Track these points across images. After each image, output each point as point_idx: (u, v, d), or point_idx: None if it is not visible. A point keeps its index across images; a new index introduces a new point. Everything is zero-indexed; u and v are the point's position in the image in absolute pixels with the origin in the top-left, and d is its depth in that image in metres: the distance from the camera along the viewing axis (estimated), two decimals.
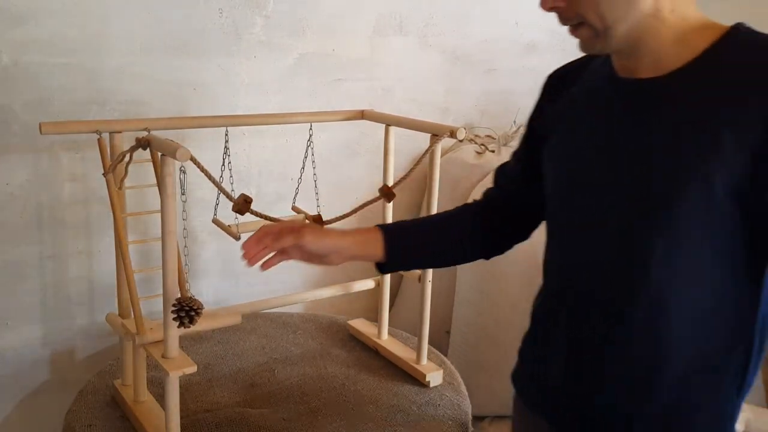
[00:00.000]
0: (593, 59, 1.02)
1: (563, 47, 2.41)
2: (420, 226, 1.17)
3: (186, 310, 1.09)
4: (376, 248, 1.09)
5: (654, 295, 0.88)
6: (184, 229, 1.16)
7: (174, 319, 1.10)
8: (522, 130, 1.15)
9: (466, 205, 1.21)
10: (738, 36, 0.85)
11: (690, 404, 0.91)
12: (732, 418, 0.93)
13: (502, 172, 1.19)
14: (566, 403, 1.00)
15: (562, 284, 1.01)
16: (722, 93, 0.82)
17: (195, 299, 1.13)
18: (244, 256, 1.00)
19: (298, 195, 1.63)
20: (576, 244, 0.97)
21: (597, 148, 0.93)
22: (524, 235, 1.18)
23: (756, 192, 0.81)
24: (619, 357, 0.92)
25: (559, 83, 1.06)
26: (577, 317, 0.97)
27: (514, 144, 2.20)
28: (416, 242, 1.13)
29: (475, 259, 1.19)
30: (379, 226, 1.11)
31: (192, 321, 1.09)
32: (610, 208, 0.90)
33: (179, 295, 1.17)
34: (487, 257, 1.20)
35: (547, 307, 1.06)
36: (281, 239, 1.01)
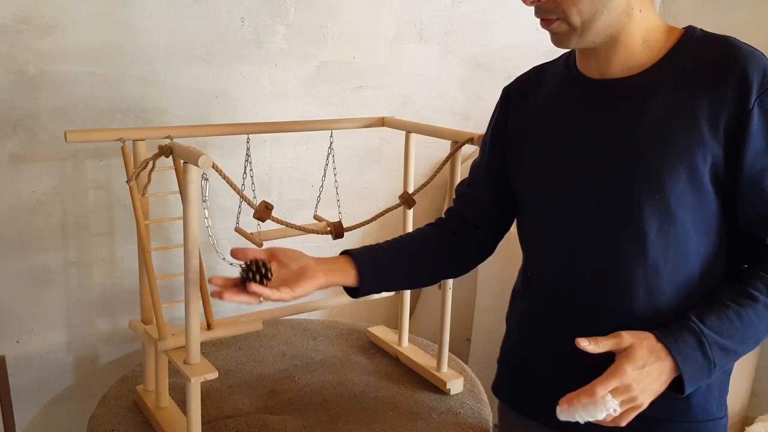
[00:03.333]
0: (548, 67, 1.10)
1: None
2: (388, 250, 1.15)
3: (255, 269, 0.99)
4: (348, 273, 1.08)
5: (651, 273, 0.95)
6: (210, 236, 1.16)
7: (248, 279, 0.99)
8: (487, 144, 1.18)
9: (431, 225, 1.22)
10: (694, 36, 0.95)
11: None
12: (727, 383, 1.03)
13: (465, 188, 1.21)
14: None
15: (556, 283, 1.04)
16: (695, 86, 0.91)
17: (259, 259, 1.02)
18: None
19: (319, 202, 1.64)
20: (571, 239, 1.00)
21: (585, 147, 0.98)
22: (489, 249, 1.22)
23: (726, 173, 0.91)
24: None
25: (520, 94, 1.11)
26: (576, 309, 1.01)
27: None
28: (386, 266, 1.13)
29: (443, 279, 1.22)
30: (345, 252, 1.11)
31: (267, 276, 0.98)
32: (606, 198, 0.96)
33: (211, 310, 1.13)
34: (456, 275, 1.25)
35: (538, 311, 1.08)
36: (253, 251, 1.02)
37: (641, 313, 0.96)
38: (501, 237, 1.21)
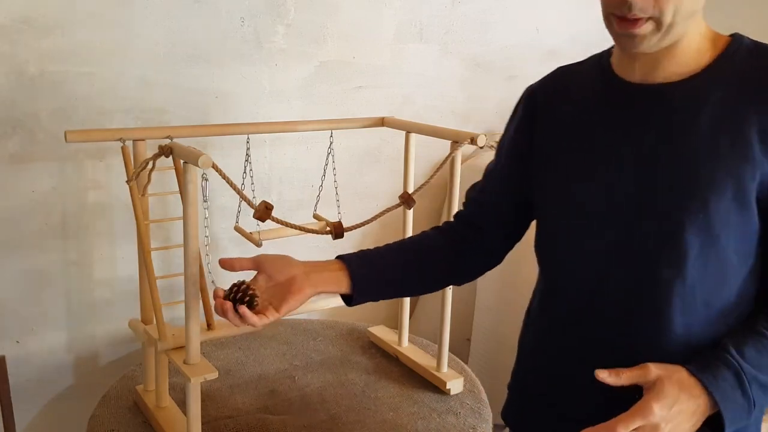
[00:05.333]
0: (575, 68, 1.02)
1: (584, 54, 2.39)
2: (386, 256, 1.08)
3: (241, 296, 0.97)
4: (340, 282, 1.02)
5: (688, 295, 0.87)
6: (206, 236, 1.16)
7: (235, 303, 0.98)
8: (506, 146, 1.10)
9: (436, 229, 1.15)
10: (742, 45, 0.89)
11: None
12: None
13: (477, 193, 1.14)
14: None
15: (586, 303, 0.96)
16: (745, 99, 0.85)
17: (246, 282, 1.00)
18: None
19: (319, 202, 1.64)
20: (604, 257, 0.92)
21: (625, 157, 0.91)
22: (498, 258, 1.14)
23: None
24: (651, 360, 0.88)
25: (548, 97, 1.03)
26: (607, 331, 0.93)
27: None
28: (384, 274, 1.06)
29: (445, 286, 1.14)
30: (340, 257, 1.04)
31: (253, 304, 0.96)
32: (647, 214, 0.89)
33: (212, 310, 1.13)
34: (459, 283, 1.16)
35: (564, 333, 1.00)
36: (242, 261, 0.98)
37: (675, 337, 0.89)
38: (511, 246, 1.14)
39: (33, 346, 1.67)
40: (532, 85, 1.06)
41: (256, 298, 0.96)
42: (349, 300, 1.05)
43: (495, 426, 1.50)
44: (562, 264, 1.00)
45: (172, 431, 1.31)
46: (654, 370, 0.83)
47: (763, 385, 0.83)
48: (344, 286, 1.02)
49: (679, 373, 0.82)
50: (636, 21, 0.83)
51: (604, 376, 0.84)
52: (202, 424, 1.25)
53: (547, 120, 1.01)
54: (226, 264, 0.99)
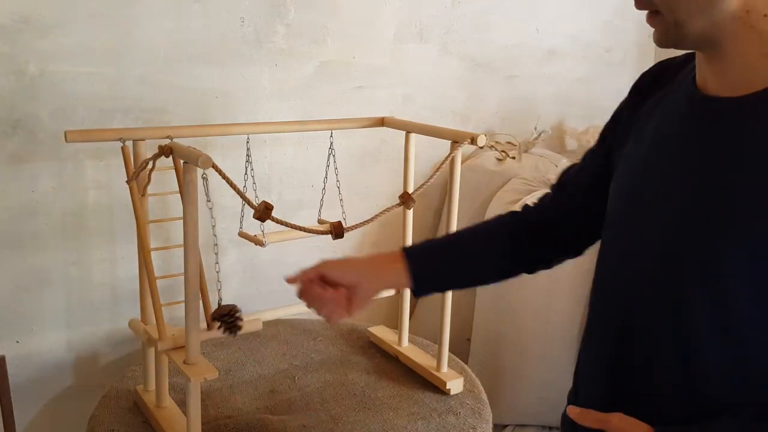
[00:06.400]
0: (690, 63, 0.87)
1: (584, 54, 2.40)
2: (451, 249, 1.06)
3: (227, 319, 1.16)
4: (402, 280, 1.03)
5: (693, 336, 0.78)
6: (214, 236, 1.17)
7: (225, 331, 1.20)
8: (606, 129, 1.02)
9: (513, 213, 1.10)
10: None
11: None
12: None
13: (568, 174, 1.07)
14: None
15: (606, 304, 0.92)
16: None
17: (226, 305, 1.19)
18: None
19: (322, 206, 1.63)
20: (624, 266, 0.87)
21: (663, 173, 0.82)
22: (578, 248, 1.07)
23: None
24: (654, 391, 0.83)
25: (649, 85, 0.93)
26: (618, 342, 0.88)
27: (535, 150, 2.20)
28: (448, 268, 1.06)
29: (518, 275, 1.08)
30: (405, 251, 1.04)
31: (238, 326, 1.17)
32: (662, 242, 0.80)
33: (211, 310, 1.24)
34: (532, 271, 1.09)
35: (583, 347, 0.98)
36: (306, 272, 1.01)
37: (668, 387, 0.81)
38: (592, 241, 1.04)
39: (33, 346, 1.67)
40: (647, 69, 0.96)
41: (240, 322, 1.20)
42: (414, 292, 1.07)
43: (495, 426, 1.50)
44: (598, 269, 0.95)
45: (172, 431, 1.31)
46: (616, 422, 0.79)
47: None
48: (405, 284, 1.04)
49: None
50: (651, 16, 0.78)
51: (573, 413, 0.82)
52: (202, 424, 1.25)
53: (636, 110, 0.92)
54: (294, 280, 1.03)
